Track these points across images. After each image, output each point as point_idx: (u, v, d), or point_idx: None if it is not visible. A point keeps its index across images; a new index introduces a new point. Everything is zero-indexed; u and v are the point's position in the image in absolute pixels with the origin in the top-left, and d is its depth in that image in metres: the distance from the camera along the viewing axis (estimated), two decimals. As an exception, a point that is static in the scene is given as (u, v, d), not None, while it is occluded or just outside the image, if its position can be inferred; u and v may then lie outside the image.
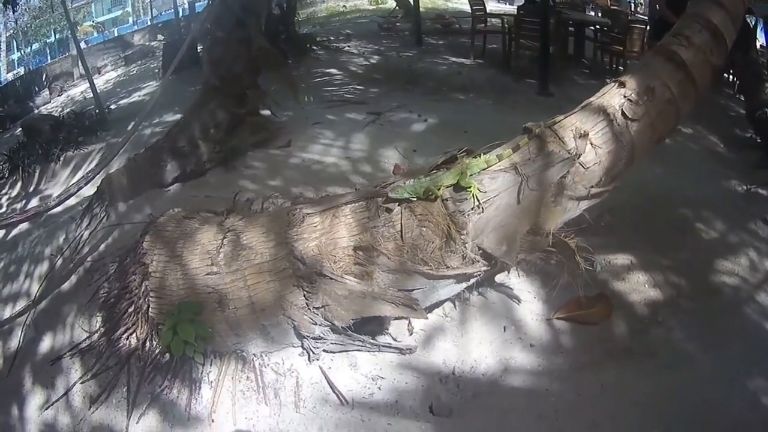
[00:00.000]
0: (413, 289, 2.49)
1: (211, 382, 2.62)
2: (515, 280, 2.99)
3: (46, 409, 2.65)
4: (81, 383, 2.71)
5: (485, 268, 2.52)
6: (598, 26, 8.03)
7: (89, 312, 2.90)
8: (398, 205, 2.45)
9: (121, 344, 2.73)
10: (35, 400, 2.71)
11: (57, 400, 2.66)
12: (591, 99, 2.73)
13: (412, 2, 10.28)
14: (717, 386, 2.62)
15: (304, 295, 2.48)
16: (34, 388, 2.76)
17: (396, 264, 2.43)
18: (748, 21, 5.35)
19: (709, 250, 3.46)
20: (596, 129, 2.62)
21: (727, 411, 2.53)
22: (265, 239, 2.54)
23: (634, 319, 2.94)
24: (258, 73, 4.84)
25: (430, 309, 2.74)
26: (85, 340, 2.81)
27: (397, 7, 12.00)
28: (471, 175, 2.46)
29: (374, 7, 15.45)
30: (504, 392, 2.58)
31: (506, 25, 7.77)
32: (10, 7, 9.78)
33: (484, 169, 2.49)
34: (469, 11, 8.43)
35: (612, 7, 9.22)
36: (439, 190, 2.43)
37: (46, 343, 2.94)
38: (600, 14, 9.38)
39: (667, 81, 2.77)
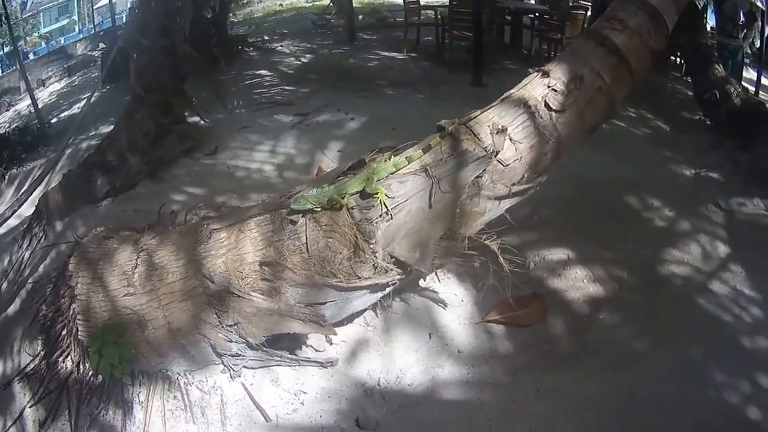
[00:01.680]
0: (325, 302, 2.15)
1: (142, 402, 2.34)
2: (442, 284, 2.62)
3: None
4: (30, 407, 2.45)
5: (399, 276, 2.16)
6: (537, 14, 7.36)
7: (32, 335, 2.64)
8: (302, 216, 2.11)
9: (59, 367, 2.47)
10: None
11: (10, 426, 2.41)
12: (512, 91, 2.33)
13: None
14: (670, 384, 2.27)
15: (216, 314, 2.17)
16: None
17: (303, 278, 2.09)
18: (696, 2, 4.79)
19: (656, 239, 3.03)
20: (516, 123, 2.23)
21: (684, 410, 2.18)
22: (175, 258, 2.23)
23: (572, 317, 2.55)
24: (184, 80, 4.42)
25: (348, 320, 2.40)
26: (29, 364, 2.55)
27: (331, 4, 10.95)
28: (378, 180, 2.10)
29: (310, 4, 14.14)
30: (432, 403, 2.24)
31: (440, 17, 7.13)
32: None
33: (392, 173, 2.12)
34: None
35: None
36: (343, 198, 2.08)
37: (-3, 368, 2.69)
38: (542, 1, 8.53)
39: (598, 67, 2.37)
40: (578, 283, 2.70)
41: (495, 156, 2.16)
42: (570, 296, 2.64)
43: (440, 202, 2.11)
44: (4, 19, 9.35)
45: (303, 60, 7.70)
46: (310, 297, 2.14)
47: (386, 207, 2.07)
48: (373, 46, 8.25)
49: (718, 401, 2.25)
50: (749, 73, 5.72)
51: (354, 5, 9.68)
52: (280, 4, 14.64)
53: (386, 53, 7.66)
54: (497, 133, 2.17)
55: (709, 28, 6.00)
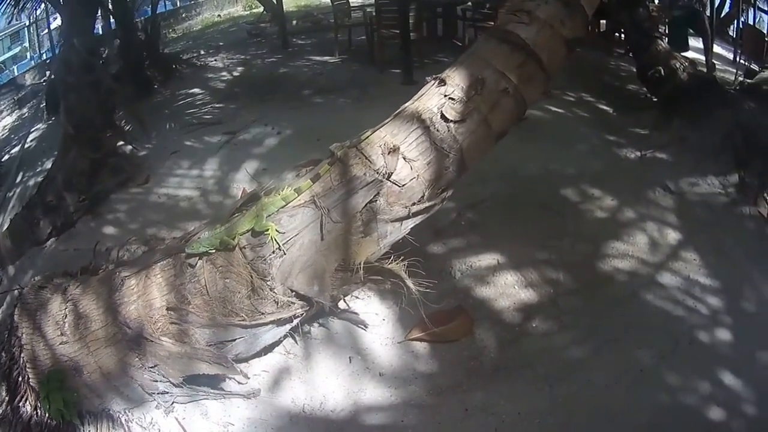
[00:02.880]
0: (234, 339, 2.05)
1: (92, 440, 2.33)
2: (361, 303, 2.44)
3: None
4: None
5: (303, 309, 2.03)
6: (469, 3, 6.67)
7: (-1, 381, 2.68)
8: (200, 259, 2.00)
9: (21, 411, 2.50)
10: None
11: None
12: (406, 104, 2.12)
13: (276, 3, 8.73)
14: (616, 393, 2.05)
15: (138, 357, 2.12)
16: None
17: (206, 319, 2.00)
18: None
19: (597, 233, 2.72)
20: (410, 140, 2.03)
21: (635, 418, 1.96)
22: (95, 306, 2.19)
23: (502, 328, 2.33)
24: (112, 112, 4.28)
25: (266, 350, 2.27)
26: (-2, 409, 2.59)
27: (265, 11, 10.10)
28: (269, 216, 1.96)
29: (248, 12, 13.18)
30: (356, 428, 2.10)
31: (368, 17, 6.60)
32: None
33: (282, 207, 1.97)
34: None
35: None
36: (234, 239, 1.95)
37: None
38: None
39: (502, 67, 2.13)
40: (508, 290, 2.46)
41: (388, 178, 1.98)
42: (499, 305, 2.40)
43: (332, 233, 1.95)
44: None
45: (235, 74, 7.22)
46: (218, 336, 2.04)
47: (278, 243, 1.93)
48: (306, 52, 7.75)
49: (674, 405, 2.01)
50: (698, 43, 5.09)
51: (288, 10, 9.06)
52: (218, 15, 13.71)
53: (318, 58, 7.18)
54: (389, 153, 1.98)
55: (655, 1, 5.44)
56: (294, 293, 1.99)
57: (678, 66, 3.92)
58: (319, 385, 2.22)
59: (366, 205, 1.96)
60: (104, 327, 2.16)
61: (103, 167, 3.84)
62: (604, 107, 4.14)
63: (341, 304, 2.26)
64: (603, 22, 5.83)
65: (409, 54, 5.41)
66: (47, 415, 2.35)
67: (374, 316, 2.40)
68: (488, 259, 2.60)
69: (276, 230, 1.93)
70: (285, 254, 1.94)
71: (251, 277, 1.95)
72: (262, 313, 2.00)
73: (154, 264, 2.10)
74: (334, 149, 2.02)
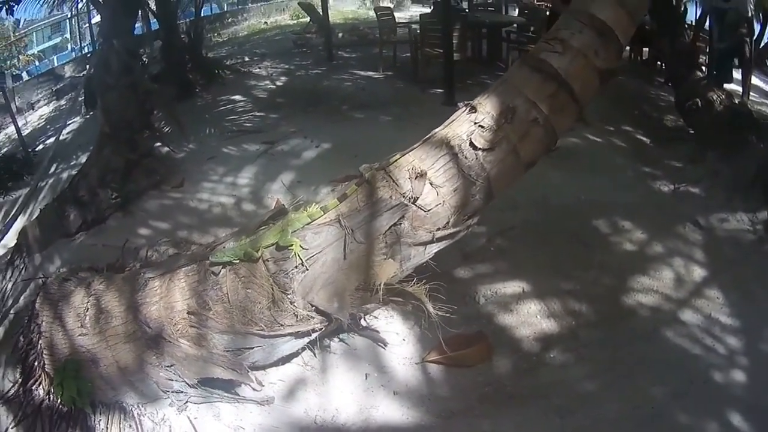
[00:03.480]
0: (251, 348, 2.24)
1: (102, 429, 2.55)
2: (383, 322, 2.59)
3: None
4: (11, 429, 2.75)
5: (322, 324, 2.21)
6: (512, 26, 6.91)
7: (13, 363, 2.94)
8: (223, 267, 2.19)
9: (33, 394, 2.75)
10: None
11: None
12: (436, 129, 2.26)
13: (323, 15, 9.16)
14: (624, 427, 2.17)
15: (155, 356, 2.33)
16: None
17: (225, 326, 2.18)
18: (678, 5, 4.34)
19: (624, 265, 2.81)
20: (437, 166, 2.17)
21: None
22: (118, 303, 2.39)
23: (520, 357, 2.46)
24: (150, 114, 4.51)
25: (284, 361, 2.47)
26: (10, 389, 2.85)
27: (311, 22, 10.50)
28: (294, 231, 2.12)
29: (295, 21, 13.80)
30: (365, 443, 2.28)
31: (413, 34, 6.78)
32: None
33: (308, 224, 2.14)
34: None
35: (537, 3, 7.86)
36: (258, 251, 2.13)
37: (-19, 392, 3.01)
38: (525, 12, 7.87)
39: (533, 97, 2.23)
40: (530, 319, 2.58)
41: (414, 202, 2.12)
42: (520, 333, 2.53)
43: (355, 253, 2.11)
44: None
45: (278, 83, 7.50)
46: (236, 343, 2.22)
47: (301, 259, 2.09)
48: (351, 65, 8.03)
49: None
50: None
51: (335, 22, 9.47)
52: (265, 22, 14.40)
53: (362, 72, 7.44)
54: (416, 177, 2.12)
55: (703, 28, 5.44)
56: (314, 308, 2.17)
57: (715, 98, 3.99)
58: (333, 398, 2.39)
59: (390, 227, 2.11)
60: (124, 324, 2.36)
61: (138, 167, 4.10)
62: (642, 137, 4.23)
63: (362, 322, 2.44)
64: (645, 49, 5.89)
65: (451, 74, 5.59)
66: (59, 401, 2.60)
67: (394, 336, 2.55)
68: (513, 287, 2.73)
69: (300, 246, 2.09)
70: (307, 270, 2.11)
71: (272, 289, 2.13)
72: (281, 325, 2.18)
73: (179, 268, 2.29)
74: (362, 170, 2.18)
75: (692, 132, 4.15)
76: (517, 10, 9.25)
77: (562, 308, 2.60)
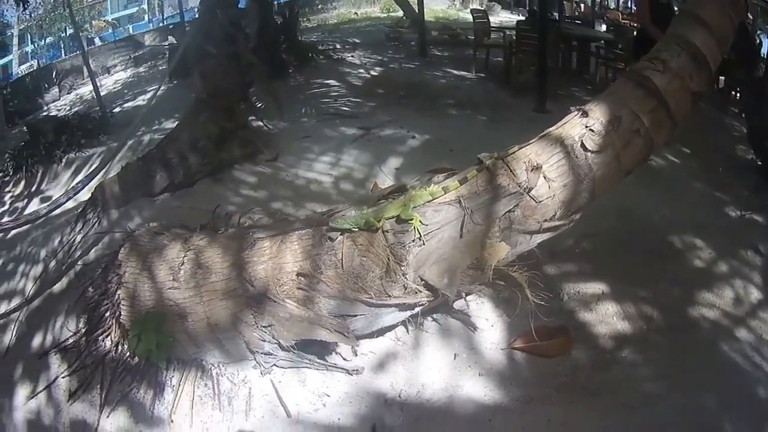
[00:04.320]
0: (355, 315, 2.57)
1: (173, 386, 2.79)
2: (474, 307, 2.97)
3: (31, 399, 2.91)
4: (63, 378, 2.94)
5: (428, 298, 2.56)
6: (602, 41, 7.73)
7: (75, 313, 3.16)
8: (341, 234, 2.52)
9: (98, 345, 2.97)
10: (23, 390, 2.97)
11: (40, 392, 2.91)
12: (550, 128, 2.67)
13: (417, 12, 10.07)
14: (678, 430, 2.54)
15: (252, 315, 2.60)
16: (22, 379, 3.02)
17: (335, 291, 2.50)
18: (754, 38, 4.98)
19: (692, 280, 3.28)
20: (551, 161, 2.56)
21: None
22: (220, 260, 2.68)
23: (596, 352, 2.86)
24: (249, 87, 4.96)
25: (379, 333, 2.81)
26: (68, 338, 3.08)
27: (405, 17, 11.61)
28: (414, 207, 2.48)
29: (386, 15, 15.28)
30: (446, 419, 2.59)
31: (507, 40, 7.60)
32: (21, 2, 10.00)
33: (428, 201, 2.51)
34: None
35: (623, 21, 8.73)
36: (379, 221, 2.47)
37: (35, 340, 3.21)
38: (611, 28, 8.85)
39: (637, 110, 2.63)
40: (608, 319, 3.00)
41: (528, 192, 2.51)
42: (598, 331, 2.94)
43: (471, 233, 2.49)
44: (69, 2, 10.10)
45: (372, 73, 8.43)
46: (342, 309, 2.56)
47: (419, 233, 2.45)
48: (443, 63, 8.93)
49: None
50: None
51: (426, 19, 10.28)
52: (355, 13, 15.88)
53: (455, 71, 8.26)
54: (532, 170, 2.52)
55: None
56: (423, 282, 2.54)
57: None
58: (421, 374, 2.74)
59: (505, 213, 2.49)
60: (225, 280, 2.66)
61: (233, 137, 4.47)
62: (714, 162, 4.81)
63: (461, 303, 2.80)
64: (721, 78, 6.54)
65: (544, 82, 6.24)
66: (130, 353, 2.86)
67: (484, 321, 2.95)
68: (594, 288, 3.16)
69: (420, 221, 2.47)
70: (423, 245, 2.47)
71: (388, 259, 2.49)
72: (389, 295, 2.53)
73: (293, 231, 2.62)
74: (482, 158, 2.57)
75: (760, 164, 4.72)
76: (604, 25, 10.22)
77: (636, 312, 3.03)
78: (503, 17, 12.24)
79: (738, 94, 6.26)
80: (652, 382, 2.77)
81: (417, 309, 2.60)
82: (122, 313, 2.84)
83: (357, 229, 2.48)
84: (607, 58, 7.30)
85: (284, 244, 2.58)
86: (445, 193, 2.49)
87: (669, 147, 4.77)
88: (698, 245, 3.53)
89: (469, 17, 9.01)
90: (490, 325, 2.93)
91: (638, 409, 2.64)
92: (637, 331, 2.97)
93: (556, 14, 9.38)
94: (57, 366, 3.05)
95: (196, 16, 6.17)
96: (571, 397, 2.69)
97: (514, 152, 2.56)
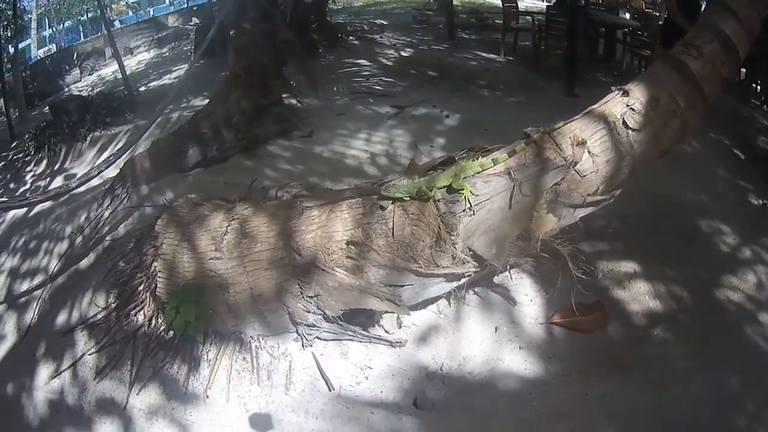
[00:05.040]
0: (403, 285, 2.67)
1: (210, 360, 2.86)
2: (514, 282, 3.12)
3: (54, 378, 2.93)
4: (89, 355, 2.97)
5: (475, 269, 2.68)
6: (628, 29, 8.10)
7: (103, 289, 3.19)
8: (392, 203, 2.64)
9: (130, 320, 3.01)
10: (45, 370, 3.00)
11: (64, 370, 2.94)
12: (593, 106, 2.84)
13: None
14: (705, 408, 2.69)
15: (299, 284, 2.69)
16: (44, 358, 3.05)
17: (386, 260, 2.61)
18: None
19: (717, 264, 3.50)
20: (595, 137, 2.73)
21: None
22: (266, 229, 2.77)
23: (629, 329, 3.03)
24: (283, 64, 5.14)
25: (422, 305, 2.92)
26: (96, 314, 3.09)
27: (432, 0, 12.31)
28: (465, 177, 2.62)
29: None
30: (487, 392, 2.73)
31: (536, 24, 8.01)
32: None
33: (478, 173, 2.64)
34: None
35: (647, 10, 9.22)
36: (431, 191, 2.60)
37: (59, 317, 3.24)
38: (635, 16, 9.36)
39: (674, 92, 2.85)
40: (640, 297, 3.19)
41: (573, 166, 2.68)
42: (631, 308, 3.12)
43: (519, 204, 2.63)
44: None
45: (402, 54, 8.90)
46: (391, 279, 2.66)
47: (470, 203, 2.59)
48: (472, 46, 9.38)
49: (746, 430, 2.67)
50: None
51: (454, 3, 10.84)
52: None
53: (484, 54, 8.72)
54: (577, 145, 2.69)
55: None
56: (471, 253, 2.66)
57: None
58: (462, 348, 2.87)
59: (552, 186, 2.65)
60: (271, 250, 2.74)
61: (267, 113, 4.57)
62: (737, 152, 5.11)
63: (500, 279, 2.93)
64: (743, 70, 6.88)
65: (573, 67, 6.58)
66: (163, 327, 2.89)
67: (524, 296, 3.11)
68: (627, 267, 3.35)
69: (470, 191, 2.60)
70: (474, 214, 2.61)
71: (439, 228, 2.61)
72: (437, 265, 2.65)
73: (342, 200, 2.72)
74: (530, 132, 2.72)
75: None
76: (627, 14, 10.68)
77: (666, 292, 3.22)
78: (529, 2, 12.77)
79: (759, 86, 6.57)
80: (680, 360, 2.95)
81: (463, 280, 2.72)
82: (158, 285, 2.90)
83: (408, 198, 2.59)
84: (633, 45, 7.61)
85: (333, 212, 2.68)
86: (495, 165, 2.61)
87: (695, 135, 5.04)
88: (723, 230, 3.76)
89: (495, 1, 9.67)
90: (529, 300, 3.09)
91: (669, 385, 2.81)
92: (668, 310, 3.16)
93: (583, 1, 9.78)
94: (83, 343, 3.08)
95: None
96: (606, 371, 2.84)
97: (559, 127, 2.72)
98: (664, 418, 2.63)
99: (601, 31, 8.49)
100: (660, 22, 7.52)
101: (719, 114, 5.56)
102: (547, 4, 10.60)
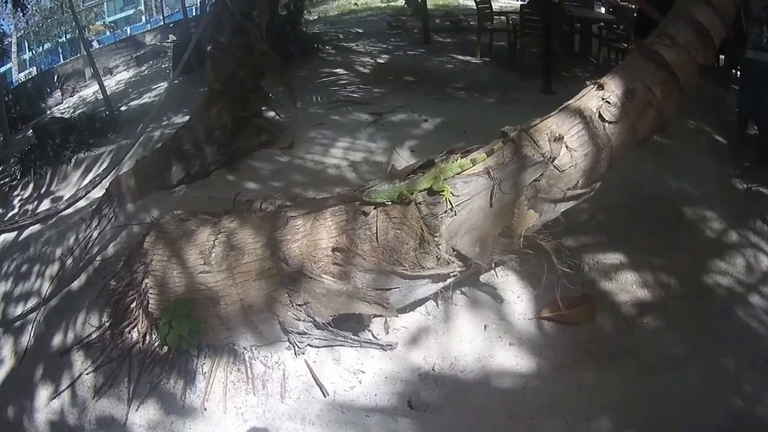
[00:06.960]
0: (390, 289, 2.75)
1: (205, 373, 2.93)
2: (500, 279, 3.21)
3: (53, 399, 3.00)
4: (86, 375, 3.03)
5: (460, 268, 2.77)
6: (603, 23, 8.22)
7: (96, 308, 3.27)
8: (374, 208, 2.72)
9: (124, 337, 3.08)
10: (44, 391, 3.06)
11: (63, 391, 3.00)
12: (569, 101, 2.93)
13: (420, 0, 10.63)
14: (700, 392, 2.77)
15: (287, 293, 2.78)
16: (43, 380, 3.11)
17: (372, 264, 2.70)
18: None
19: (704, 249, 3.59)
20: (572, 132, 2.81)
21: (708, 418, 2.67)
22: (252, 240, 2.86)
23: (619, 320, 3.11)
24: (261, 76, 5.22)
25: (411, 308, 3.01)
26: (91, 334, 3.17)
27: (406, 5, 12.35)
28: (445, 179, 2.70)
29: (385, 4, 16.26)
30: (481, 389, 2.81)
31: (511, 24, 8.11)
32: (20, 8, 10.46)
33: (458, 174, 2.73)
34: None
35: (622, 3, 9.32)
36: (412, 194, 2.68)
37: (55, 338, 3.31)
38: (610, 10, 9.44)
39: (649, 82, 2.93)
40: (628, 287, 3.28)
41: (552, 162, 2.76)
42: (619, 299, 3.21)
43: (500, 202, 2.72)
44: (67, 7, 10.57)
45: (379, 60, 9.04)
46: (377, 282, 2.75)
47: (451, 204, 2.67)
48: (448, 49, 9.52)
49: (744, 412, 2.74)
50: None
51: (428, 7, 10.88)
52: (355, 3, 16.82)
53: (460, 56, 8.86)
54: (554, 140, 2.77)
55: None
56: (455, 253, 2.75)
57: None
58: (453, 347, 2.95)
59: (531, 182, 2.73)
60: (258, 261, 2.83)
61: (247, 126, 4.68)
62: (719, 138, 5.21)
63: (486, 278, 3.01)
64: (722, 57, 6.96)
65: (549, 64, 6.72)
66: (157, 343, 2.97)
67: (510, 293, 3.20)
68: (613, 258, 3.44)
69: (451, 192, 2.69)
70: (455, 215, 2.69)
71: (422, 230, 2.69)
72: (423, 267, 2.73)
73: (325, 208, 2.81)
74: (507, 130, 2.81)
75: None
76: (603, 8, 10.83)
77: (654, 281, 3.30)
78: (503, 2, 12.94)
79: (738, 72, 6.64)
80: (673, 346, 3.04)
81: (449, 280, 2.81)
82: (150, 301, 2.97)
83: (390, 203, 2.68)
84: (609, 39, 7.85)
85: (318, 221, 2.77)
86: (474, 165, 2.70)
87: (675, 123, 5.14)
88: (708, 216, 3.85)
89: (469, 3, 9.80)
90: (516, 297, 3.18)
91: (662, 372, 2.89)
92: (657, 298, 3.24)
93: (556, -3, 9.88)
94: (80, 363, 3.14)
95: (197, 13, 6.45)
96: (598, 362, 2.93)
97: (536, 124, 2.81)
98: (659, 404, 2.71)
99: (577, 26, 8.61)
100: (635, 15, 7.59)
101: (700, 101, 5.66)
102: (522, 2, 10.68)
